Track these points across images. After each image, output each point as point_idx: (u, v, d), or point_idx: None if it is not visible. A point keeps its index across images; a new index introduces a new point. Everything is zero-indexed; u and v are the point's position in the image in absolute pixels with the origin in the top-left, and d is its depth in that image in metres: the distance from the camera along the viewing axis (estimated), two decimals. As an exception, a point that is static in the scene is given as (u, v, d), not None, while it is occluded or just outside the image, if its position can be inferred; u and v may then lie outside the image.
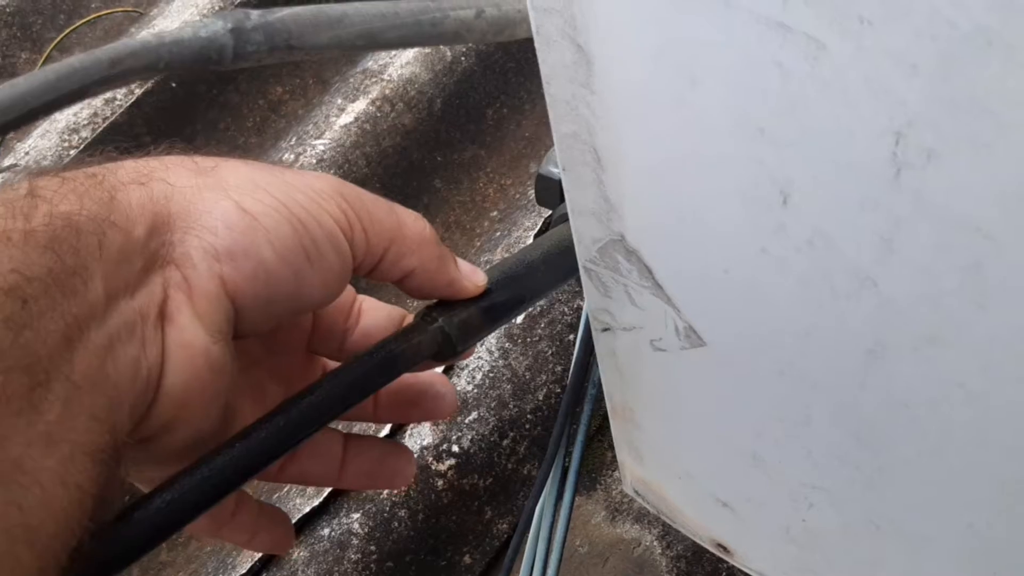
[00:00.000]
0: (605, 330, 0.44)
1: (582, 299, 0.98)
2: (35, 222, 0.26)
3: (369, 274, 0.36)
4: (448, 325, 0.38)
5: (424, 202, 1.16)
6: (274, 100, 1.26)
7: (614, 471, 1.01)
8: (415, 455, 0.92)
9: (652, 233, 0.36)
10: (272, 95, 1.26)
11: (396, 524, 0.90)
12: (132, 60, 0.35)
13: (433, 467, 0.92)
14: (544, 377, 0.98)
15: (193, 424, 0.31)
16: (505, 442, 0.95)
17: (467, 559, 0.94)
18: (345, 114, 1.13)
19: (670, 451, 0.52)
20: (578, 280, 0.43)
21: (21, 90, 0.34)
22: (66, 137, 1.12)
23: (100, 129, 1.13)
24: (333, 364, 0.41)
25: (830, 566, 0.48)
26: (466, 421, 0.94)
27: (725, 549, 0.55)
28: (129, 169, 0.30)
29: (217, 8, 1.21)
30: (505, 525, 0.96)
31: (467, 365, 0.97)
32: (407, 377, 0.40)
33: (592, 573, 0.94)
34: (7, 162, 1.11)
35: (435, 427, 0.94)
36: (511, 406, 0.96)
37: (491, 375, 0.96)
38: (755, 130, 0.28)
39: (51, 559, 0.25)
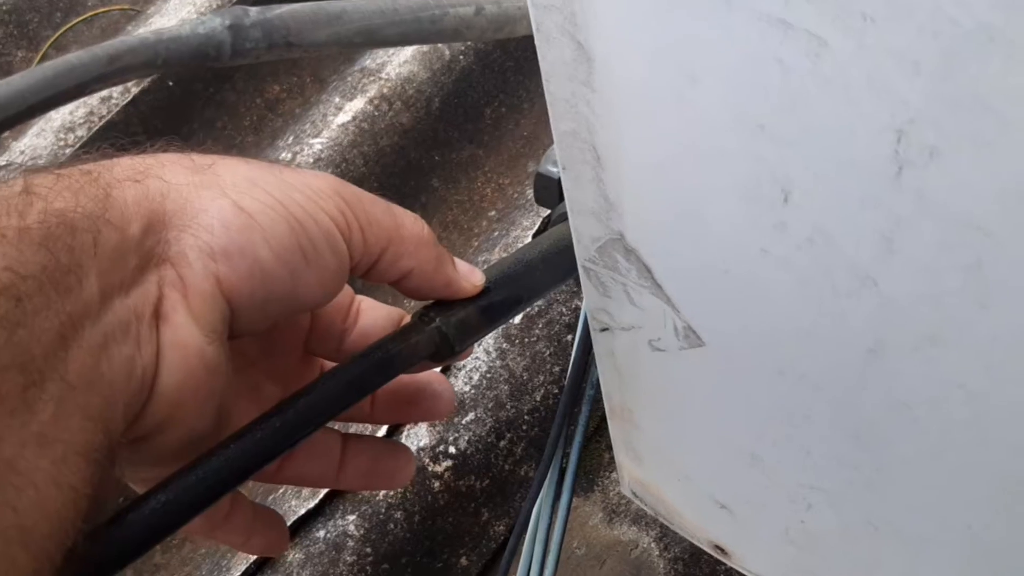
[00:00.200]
0: (603, 330, 0.44)
1: (580, 299, 0.97)
2: (29, 219, 0.26)
3: (366, 275, 0.36)
4: (446, 325, 0.37)
5: (422, 201, 1.16)
6: (271, 99, 1.26)
7: (612, 472, 1.00)
8: (412, 456, 0.92)
9: (651, 232, 0.36)
10: (269, 94, 1.26)
11: (392, 526, 0.89)
12: (130, 57, 0.35)
13: (430, 468, 0.92)
14: (542, 378, 0.98)
15: (188, 424, 0.30)
16: (502, 443, 0.95)
17: (463, 561, 0.94)
18: (343, 113, 1.13)
19: (668, 452, 0.52)
20: (576, 280, 0.42)
21: (19, 87, 0.34)
22: (62, 136, 1.11)
23: (96, 128, 1.12)
24: (330, 364, 0.41)
25: (828, 567, 0.48)
26: (463, 422, 0.94)
27: (723, 551, 0.55)
28: (125, 166, 0.30)
29: (215, 5, 1.21)
30: (502, 527, 0.96)
31: (464, 365, 0.96)
32: (404, 377, 0.40)
33: (589, 575, 0.94)
34: (2, 161, 1.11)
35: (432, 428, 0.93)
36: (508, 407, 0.96)
37: (488, 376, 0.96)
38: (756, 128, 0.28)
39: (46, 560, 0.24)
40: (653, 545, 0.95)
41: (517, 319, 0.99)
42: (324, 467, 0.40)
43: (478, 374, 0.96)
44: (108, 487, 0.27)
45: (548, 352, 0.99)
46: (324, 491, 0.89)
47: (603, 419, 0.53)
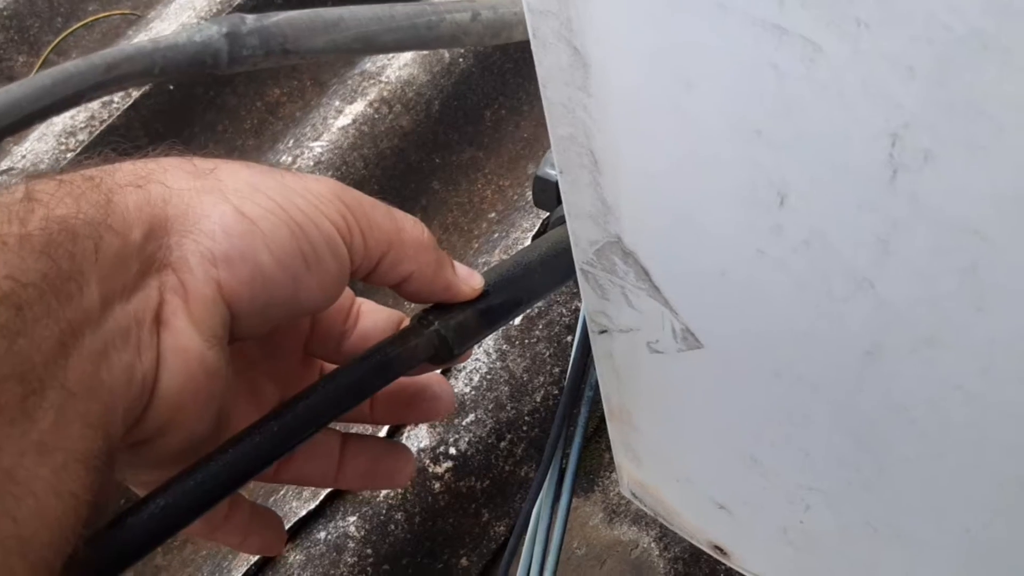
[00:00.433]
0: (602, 332, 0.44)
1: (580, 300, 0.97)
2: (31, 226, 0.26)
3: (366, 278, 0.36)
4: (445, 328, 0.37)
5: (422, 204, 1.16)
6: (272, 102, 1.26)
7: (611, 473, 1.01)
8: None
9: (649, 235, 0.36)
10: (270, 97, 1.26)
11: (392, 527, 0.90)
12: (128, 65, 0.35)
13: (430, 469, 0.92)
14: (542, 379, 0.98)
15: (187, 428, 0.31)
16: (502, 444, 0.95)
17: (464, 562, 0.94)
18: (343, 116, 1.13)
19: (667, 453, 0.52)
20: (576, 282, 0.42)
21: (17, 95, 0.34)
22: (63, 140, 1.12)
23: (97, 132, 1.12)
24: (330, 366, 0.41)
25: (827, 568, 0.48)
26: (463, 423, 0.94)
27: (722, 551, 0.55)
28: (126, 171, 0.30)
29: (215, 11, 1.21)
30: (502, 527, 0.96)
31: (464, 367, 0.97)
32: (403, 379, 0.40)
33: (589, 575, 0.94)
34: (4, 166, 1.11)
35: (432, 429, 0.94)
36: (508, 408, 0.96)
37: (488, 377, 0.96)
38: (751, 132, 0.28)
39: (44, 569, 0.24)
40: (653, 545, 0.95)
41: (517, 320, 0.99)
42: (323, 467, 0.40)
43: (478, 375, 0.96)
44: (108, 491, 0.27)
45: (548, 353, 0.99)
46: (325, 493, 0.89)
47: (603, 420, 0.53)
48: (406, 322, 0.41)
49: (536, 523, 0.62)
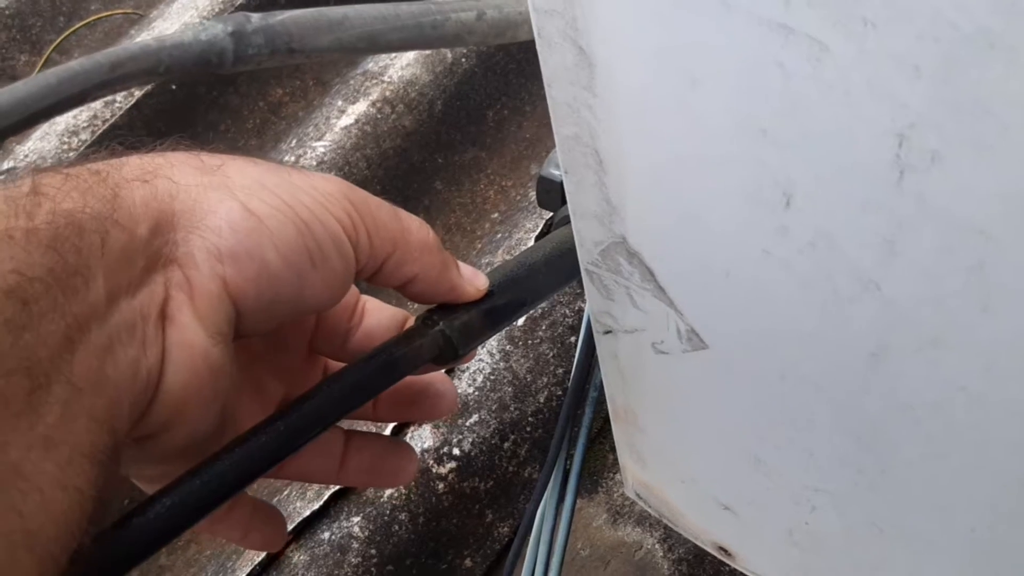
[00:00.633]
0: (607, 332, 0.44)
1: (584, 301, 0.97)
2: (38, 220, 0.26)
3: (370, 279, 0.36)
4: (449, 328, 0.37)
5: (425, 204, 1.16)
6: (274, 102, 1.26)
7: (615, 474, 1.00)
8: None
9: (654, 235, 0.36)
10: (272, 97, 1.26)
11: (396, 527, 0.90)
12: (132, 64, 0.35)
13: (434, 470, 0.92)
14: (545, 379, 0.98)
15: (192, 423, 0.31)
16: (506, 445, 0.95)
17: (468, 562, 0.94)
18: (345, 116, 1.13)
19: (672, 454, 0.52)
20: (580, 282, 0.42)
21: (21, 94, 0.34)
22: (66, 140, 1.12)
23: (100, 131, 1.13)
24: (334, 363, 0.41)
25: (832, 569, 0.48)
26: (467, 424, 0.94)
27: (727, 552, 0.55)
28: (134, 166, 0.30)
29: (217, 10, 1.21)
30: (506, 528, 0.96)
31: (468, 367, 0.96)
32: (407, 377, 0.40)
33: (593, 576, 0.94)
34: (7, 165, 1.11)
35: (436, 430, 0.94)
36: (512, 409, 0.96)
37: (492, 377, 0.96)
38: (757, 131, 0.28)
39: (51, 563, 0.24)
40: (657, 546, 0.95)
41: (521, 321, 0.99)
42: (326, 464, 0.40)
43: (482, 376, 0.96)
44: (113, 487, 0.27)
45: (552, 354, 0.99)
46: (329, 493, 0.89)
47: (607, 421, 0.53)
48: (410, 321, 0.41)
49: (540, 524, 0.62)
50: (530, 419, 0.96)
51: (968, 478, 0.34)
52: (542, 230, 1.05)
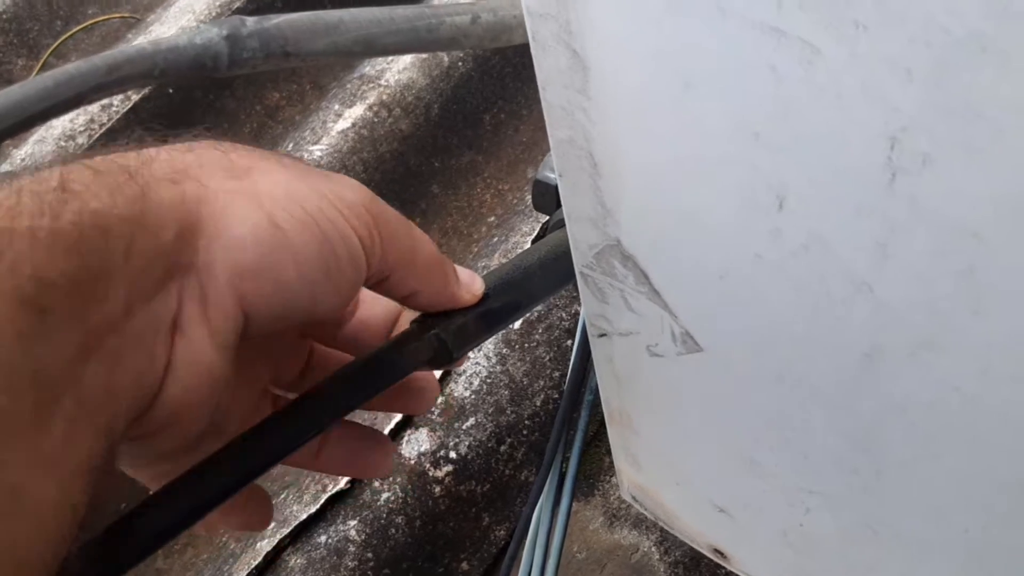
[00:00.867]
0: (602, 336, 0.44)
1: (579, 305, 0.98)
2: (63, 220, 0.24)
3: (372, 288, 0.36)
4: (444, 332, 0.38)
5: (421, 208, 1.16)
6: (271, 106, 1.26)
7: (611, 477, 1.01)
8: (412, 461, 0.92)
9: (648, 238, 0.36)
10: (269, 101, 1.26)
11: (393, 531, 0.89)
12: (129, 67, 0.35)
13: (430, 473, 0.92)
14: (542, 383, 0.98)
15: (186, 427, 0.30)
16: (502, 448, 0.95)
17: (464, 566, 0.94)
18: (342, 120, 1.13)
19: (667, 457, 0.52)
20: (575, 286, 0.43)
21: (18, 97, 0.34)
22: (63, 144, 1.12)
23: (97, 135, 1.13)
24: (321, 347, 0.41)
25: (827, 570, 0.48)
26: (463, 427, 0.94)
27: (722, 554, 0.55)
28: (163, 163, 0.29)
29: (214, 14, 1.21)
30: (502, 531, 0.96)
31: (464, 371, 0.97)
32: None
33: (590, 579, 0.94)
34: (3, 168, 1.11)
35: (432, 433, 0.94)
36: (508, 412, 0.96)
37: (488, 381, 0.96)
38: (750, 135, 0.28)
39: (43, 572, 0.24)
40: (653, 549, 0.95)
41: (517, 324, 0.99)
42: (302, 451, 0.40)
43: (478, 379, 0.96)
44: (106, 489, 0.27)
45: (548, 357, 0.99)
46: (326, 496, 0.89)
47: (602, 424, 0.53)
48: (404, 314, 0.41)
49: (536, 527, 0.62)
50: (526, 422, 0.96)
51: (962, 479, 0.34)
52: (538, 234, 1.05)
